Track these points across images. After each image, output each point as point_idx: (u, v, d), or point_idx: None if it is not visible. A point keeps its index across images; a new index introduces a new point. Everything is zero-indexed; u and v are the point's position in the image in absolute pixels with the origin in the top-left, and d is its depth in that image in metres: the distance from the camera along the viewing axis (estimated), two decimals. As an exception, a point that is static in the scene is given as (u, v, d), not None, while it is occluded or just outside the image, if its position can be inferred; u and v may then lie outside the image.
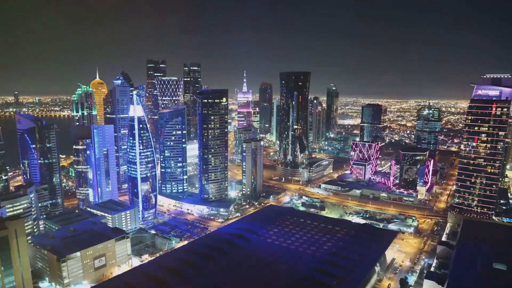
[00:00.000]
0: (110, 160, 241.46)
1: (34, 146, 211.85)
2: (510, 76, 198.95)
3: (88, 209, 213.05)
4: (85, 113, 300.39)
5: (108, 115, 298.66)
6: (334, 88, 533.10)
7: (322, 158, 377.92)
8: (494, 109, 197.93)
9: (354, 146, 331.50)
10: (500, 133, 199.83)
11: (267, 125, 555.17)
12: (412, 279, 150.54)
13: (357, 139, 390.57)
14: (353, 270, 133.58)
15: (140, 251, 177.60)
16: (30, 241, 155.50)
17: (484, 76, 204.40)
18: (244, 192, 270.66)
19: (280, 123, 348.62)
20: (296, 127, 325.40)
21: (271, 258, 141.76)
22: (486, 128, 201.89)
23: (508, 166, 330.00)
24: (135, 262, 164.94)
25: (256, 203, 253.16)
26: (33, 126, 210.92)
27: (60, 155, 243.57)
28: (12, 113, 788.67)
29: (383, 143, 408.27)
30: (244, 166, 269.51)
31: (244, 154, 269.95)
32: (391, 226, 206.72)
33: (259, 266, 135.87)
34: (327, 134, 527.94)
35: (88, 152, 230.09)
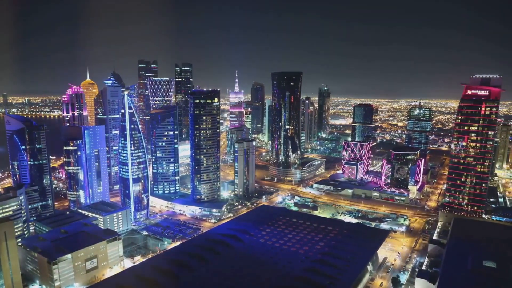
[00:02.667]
0: (101, 161, 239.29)
1: (23, 147, 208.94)
2: (498, 76, 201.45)
3: (79, 210, 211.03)
4: (76, 114, 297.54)
5: (99, 116, 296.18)
6: (325, 88, 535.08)
7: (314, 158, 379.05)
8: (483, 108, 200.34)
9: (346, 146, 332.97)
10: (490, 132, 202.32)
11: (259, 125, 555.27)
12: (404, 278, 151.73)
13: (349, 139, 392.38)
14: (346, 269, 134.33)
15: (132, 253, 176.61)
16: (20, 244, 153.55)
17: (474, 76, 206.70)
18: (236, 192, 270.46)
19: (272, 123, 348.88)
20: (288, 127, 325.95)
21: (263, 258, 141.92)
22: (476, 128, 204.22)
23: (497, 165, 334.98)
24: (127, 263, 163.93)
25: (248, 204, 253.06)
26: (22, 127, 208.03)
27: (51, 156, 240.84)
28: (0, 114, 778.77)
29: (375, 143, 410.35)
30: (236, 167, 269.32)
31: (236, 154, 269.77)
32: (383, 225, 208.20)
33: (252, 266, 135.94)
34: (319, 134, 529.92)
35: (79, 153, 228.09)
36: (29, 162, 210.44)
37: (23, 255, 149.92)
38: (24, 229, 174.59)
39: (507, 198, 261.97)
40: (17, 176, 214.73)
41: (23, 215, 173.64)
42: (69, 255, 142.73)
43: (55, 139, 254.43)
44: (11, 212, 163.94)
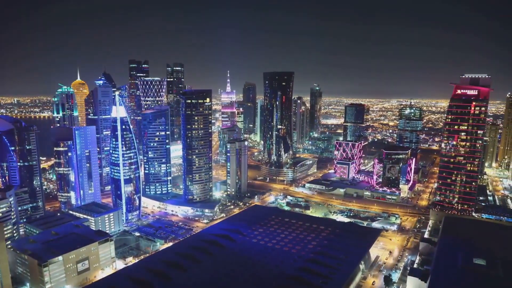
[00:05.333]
0: (92, 162, 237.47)
1: (13, 148, 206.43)
2: (487, 76, 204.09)
3: (70, 212, 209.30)
4: (66, 114, 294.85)
5: (90, 116, 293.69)
6: (317, 88, 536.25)
7: (306, 157, 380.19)
8: (473, 108, 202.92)
9: (337, 146, 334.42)
10: (479, 131, 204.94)
11: (251, 125, 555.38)
12: (396, 276, 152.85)
13: (341, 138, 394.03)
14: (338, 268, 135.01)
15: (124, 254, 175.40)
16: (9, 246, 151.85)
17: (463, 76, 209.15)
18: (228, 192, 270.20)
19: (264, 123, 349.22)
20: (280, 127, 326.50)
21: (256, 258, 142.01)
22: (466, 127, 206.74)
23: (486, 164, 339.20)
24: (119, 265, 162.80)
25: (241, 204, 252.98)
26: (11, 128, 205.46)
27: (41, 157, 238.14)
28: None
29: (366, 142, 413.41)
30: (228, 167, 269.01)
31: (228, 154, 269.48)
32: (375, 224, 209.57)
33: (245, 266, 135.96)
34: (311, 133, 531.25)
35: (69, 154, 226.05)
36: (18, 164, 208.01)
37: (13, 257, 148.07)
38: (14, 231, 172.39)
39: (496, 197, 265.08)
40: (6, 178, 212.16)
41: (12, 217, 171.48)
42: (60, 257, 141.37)
43: (46, 140, 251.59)
44: (0, 214, 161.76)
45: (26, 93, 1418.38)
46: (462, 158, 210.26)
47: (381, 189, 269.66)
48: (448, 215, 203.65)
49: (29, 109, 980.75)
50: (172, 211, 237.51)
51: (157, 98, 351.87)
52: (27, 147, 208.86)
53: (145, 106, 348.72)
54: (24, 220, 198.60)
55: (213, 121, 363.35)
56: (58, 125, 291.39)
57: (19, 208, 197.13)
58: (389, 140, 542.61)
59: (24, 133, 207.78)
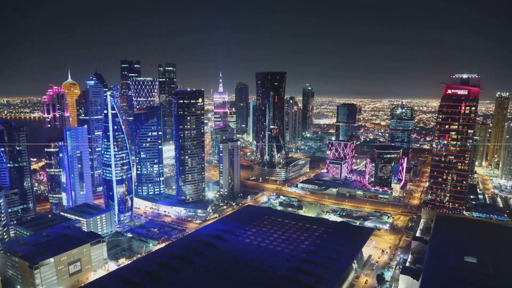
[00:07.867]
0: (84, 163, 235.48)
1: (2, 149, 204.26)
2: (477, 76, 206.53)
3: (62, 213, 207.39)
4: (57, 115, 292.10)
5: (81, 117, 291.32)
6: (309, 88, 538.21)
7: (298, 157, 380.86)
8: (463, 108, 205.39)
9: (330, 145, 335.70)
10: (469, 131, 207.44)
11: (244, 125, 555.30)
12: (388, 275, 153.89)
13: (333, 138, 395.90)
14: (331, 267, 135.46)
15: (116, 255, 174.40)
16: (0, 249, 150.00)
17: (453, 76, 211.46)
18: (221, 192, 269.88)
19: (257, 123, 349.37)
20: (272, 127, 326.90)
21: (249, 258, 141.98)
22: (456, 127, 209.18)
23: (476, 163, 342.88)
24: (112, 266, 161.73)
25: (233, 204, 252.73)
26: (1, 129, 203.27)
27: (32, 158, 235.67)
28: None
29: (358, 142, 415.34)
30: (221, 167, 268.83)
31: (221, 154, 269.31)
32: (367, 223, 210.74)
33: (238, 266, 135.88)
34: (303, 133, 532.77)
35: (60, 154, 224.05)
36: (8, 165, 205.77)
37: (3, 260, 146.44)
38: (4, 234, 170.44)
39: (486, 195, 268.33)
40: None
41: (2, 219, 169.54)
42: (52, 259, 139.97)
43: (36, 141, 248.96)
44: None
45: (16, 93, 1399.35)
46: (453, 157, 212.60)
47: (373, 188, 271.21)
48: (439, 214, 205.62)
49: (19, 109, 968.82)
50: (164, 211, 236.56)
51: (149, 98, 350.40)
52: (17, 148, 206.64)
53: (137, 106, 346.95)
54: (15, 222, 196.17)
55: (205, 121, 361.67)
56: (49, 125, 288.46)
57: (10, 210, 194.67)
58: (381, 139, 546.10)
59: (14, 134, 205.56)
